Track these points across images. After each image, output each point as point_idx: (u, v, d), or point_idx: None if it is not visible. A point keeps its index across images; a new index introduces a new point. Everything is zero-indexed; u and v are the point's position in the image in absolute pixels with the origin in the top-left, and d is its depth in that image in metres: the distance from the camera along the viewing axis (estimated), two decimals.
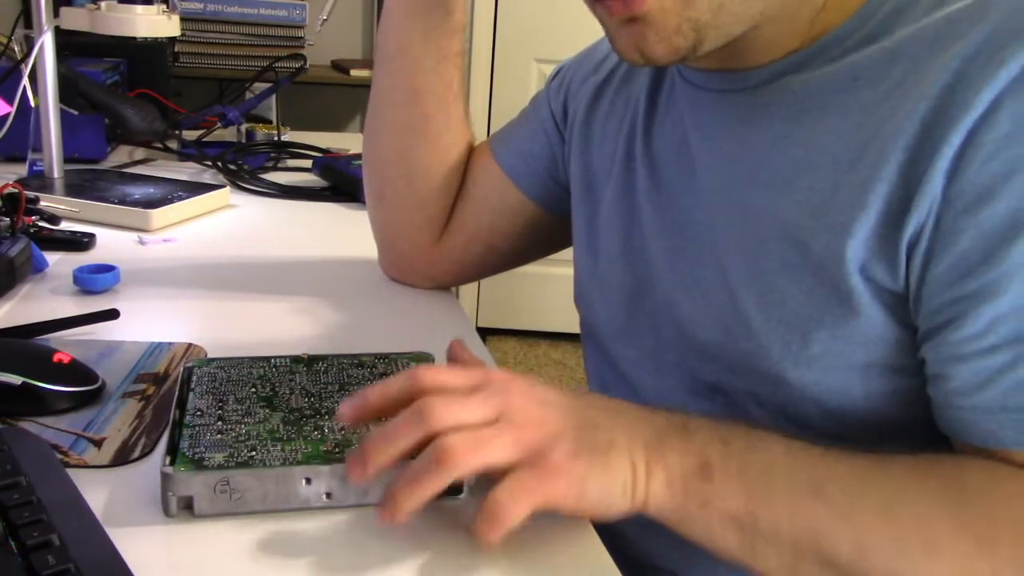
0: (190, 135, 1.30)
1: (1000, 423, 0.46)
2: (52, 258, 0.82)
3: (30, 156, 1.07)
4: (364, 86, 2.30)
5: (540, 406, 0.46)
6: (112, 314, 0.69)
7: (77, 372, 0.58)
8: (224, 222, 1.01)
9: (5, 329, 0.65)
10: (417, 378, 0.46)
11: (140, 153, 1.27)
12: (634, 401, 0.50)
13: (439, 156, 0.76)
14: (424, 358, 0.61)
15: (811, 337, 0.51)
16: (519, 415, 0.45)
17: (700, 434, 0.47)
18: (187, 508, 0.46)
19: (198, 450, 0.48)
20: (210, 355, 0.65)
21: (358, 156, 1.14)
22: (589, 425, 0.46)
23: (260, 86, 1.50)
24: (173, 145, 1.28)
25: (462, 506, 0.49)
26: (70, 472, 0.47)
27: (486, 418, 0.44)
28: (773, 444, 0.47)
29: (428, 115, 0.74)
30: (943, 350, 0.47)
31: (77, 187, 1.02)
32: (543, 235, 0.78)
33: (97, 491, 0.48)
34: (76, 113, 1.16)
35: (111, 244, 0.89)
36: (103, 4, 0.96)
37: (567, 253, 0.76)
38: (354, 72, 2.32)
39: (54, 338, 0.66)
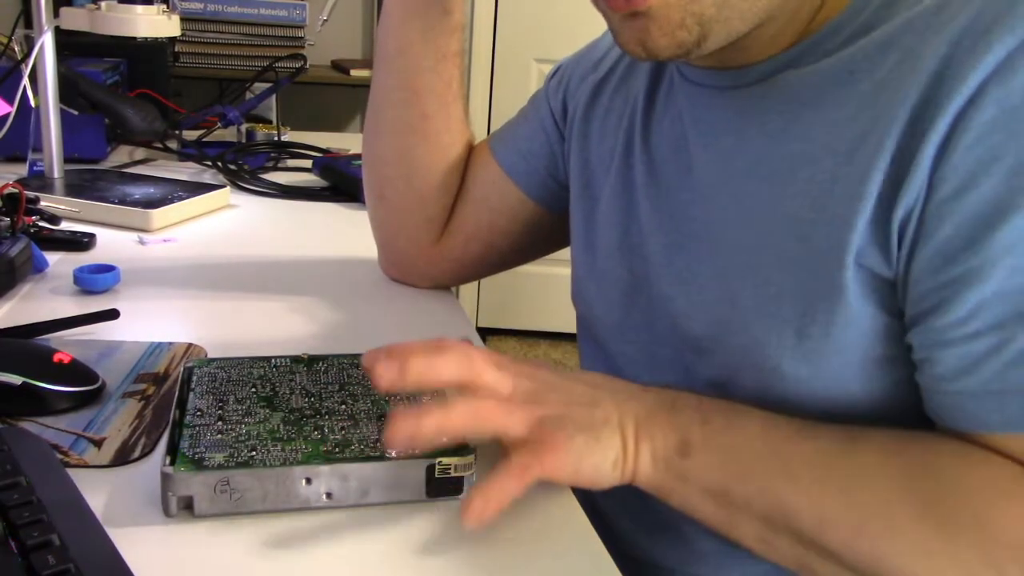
0: (190, 135, 1.30)
1: (984, 407, 0.46)
2: (52, 258, 0.82)
3: (30, 156, 1.08)
4: (364, 86, 2.29)
5: (544, 386, 0.51)
6: (112, 314, 0.69)
7: (77, 372, 0.58)
8: (224, 222, 1.01)
9: (5, 329, 0.65)
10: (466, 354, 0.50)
11: (140, 153, 1.27)
12: None
13: (439, 155, 0.76)
14: None
15: (806, 331, 0.52)
16: (526, 394, 0.50)
17: (684, 412, 0.51)
18: (187, 508, 0.46)
19: (198, 450, 0.48)
20: (210, 355, 0.65)
21: (358, 156, 1.14)
22: (587, 403, 0.51)
23: (260, 86, 1.50)
24: (173, 145, 1.28)
25: (462, 506, 0.49)
26: (70, 472, 0.47)
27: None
28: (751, 422, 0.51)
29: (427, 115, 0.74)
30: (929, 335, 0.47)
31: (77, 187, 1.02)
32: (543, 234, 0.78)
33: (97, 491, 0.48)
34: (76, 113, 1.16)
35: (111, 244, 0.89)
36: (103, 4, 0.96)
37: (567, 253, 0.76)
38: (354, 72, 2.32)
39: (54, 338, 0.66)
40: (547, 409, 0.49)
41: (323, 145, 1.33)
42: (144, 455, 0.52)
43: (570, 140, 0.72)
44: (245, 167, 1.20)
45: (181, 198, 0.99)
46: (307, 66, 1.47)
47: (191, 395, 0.54)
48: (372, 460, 0.48)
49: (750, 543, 0.49)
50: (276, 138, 1.35)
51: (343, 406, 0.53)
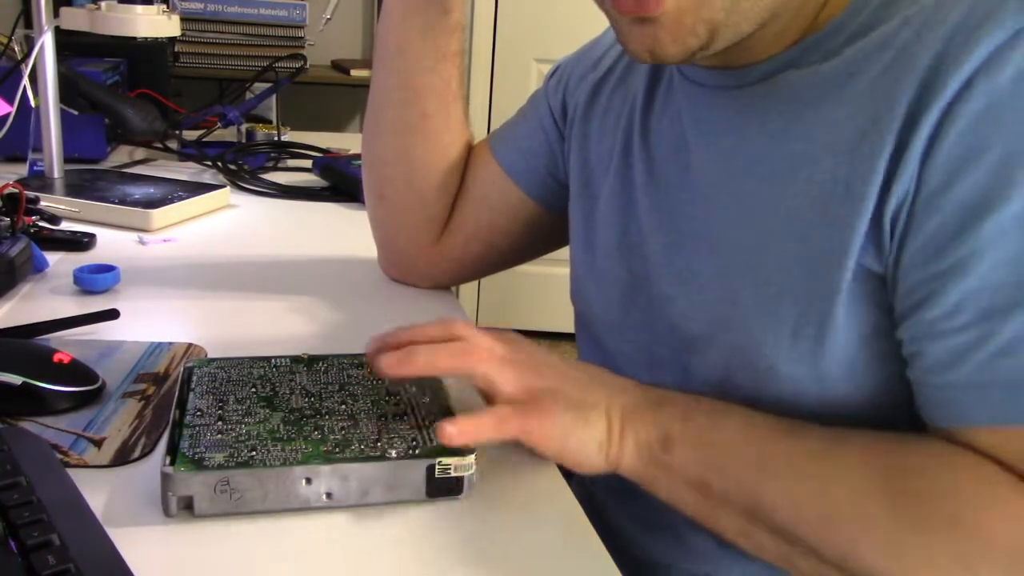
0: (190, 135, 1.30)
1: (968, 400, 0.46)
2: (52, 258, 0.82)
3: (30, 156, 1.08)
4: (364, 86, 2.28)
5: (540, 360, 0.54)
6: (112, 314, 0.69)
7: (77, 372, 0.58)
8: (224, 222, 1.01)
9: (5, 329, 0.65)
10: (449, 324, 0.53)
11: (140, 153, 1.27)
12: None
13: (438, 155, 0.76)
14: None
15: (802, 331, 0.52)
16: (523, 362, 0.52)
17: (668, 408, 0.53)
18: (187, 508, 0.46)
19: (198, 450, 0.47)
20: (210, 355, 0.65)
21: (358, 156, 1.14)
22: (578, 385, 0.53)
23: (260, 86, 1.50)
24: (173, 145, 1.28)
25: (462, 507, 0.49)
26: (70, 472, 0.47)
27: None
28: (733, 421, 0.52)
29: (427, 114, 0.74)
30: (918, 329, 0.48)
31: (77, 187, 1.02)
32: (543, 233, 0.78)
33: (97, 491, 0.48)
34: (76, 113, 1.16)
35: (111, 244, 0.89)
36: (103, 4, 0.96)
37: (566, 253, 0.76)
38: (354, 72, 2.32)
39: (54, 338, 0.66)
40: (539, 378, 0.52)
41: (323, 145, 1.33)
42: (144, 455, 0.52)
43: (570, 139, 0.73)
44: (245, 167, 1.20)
45: (181, 198, 0.99)
46: (307, 66, 1.47)
47: (191, 395, 0.54)
48: (372, 460, 0.48)
49: (734, 537, 0.51)
50: (276, 138, 1.35)
51: (343, 406, 0.53)
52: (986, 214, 0.45)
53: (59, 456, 0.51)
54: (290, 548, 0.45)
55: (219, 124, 1.35)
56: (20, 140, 1.07)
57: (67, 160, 1.08)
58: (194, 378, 0.56)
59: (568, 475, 0.54)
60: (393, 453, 0.48)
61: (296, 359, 0.59)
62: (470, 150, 0.79)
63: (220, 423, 0.51)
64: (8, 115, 1.02)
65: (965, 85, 0.45)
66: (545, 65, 2.47)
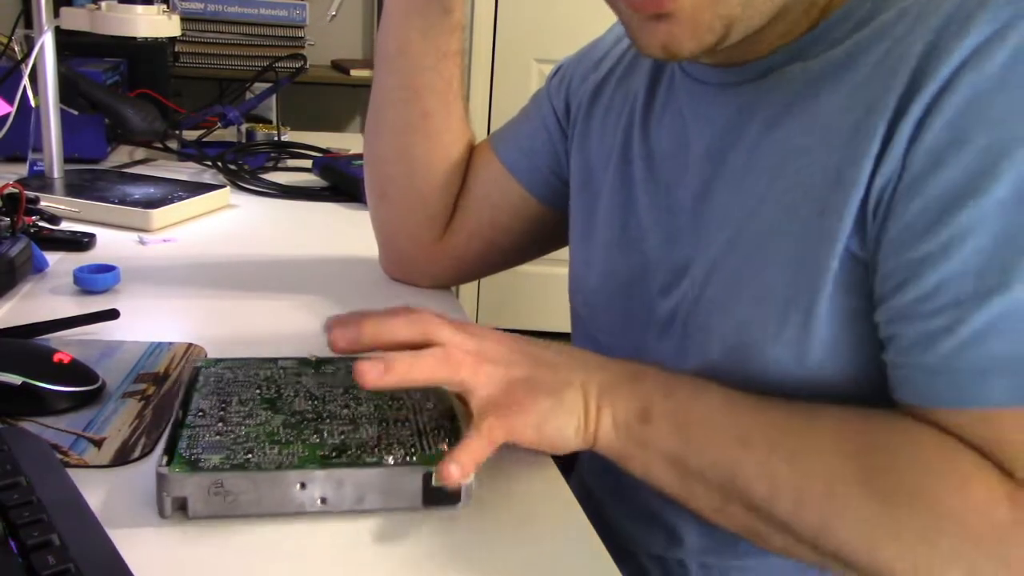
0: (190, 135, 1.30)
1: (937, 383, 0.47)
2: (52, 258, 0.82)
3: (30, 156, 1.08)
4: (364, 86, 2.30)
5: (510, 348, 0.52)
6: (112, 314, 0.69)
7: (77, 372, 0.58)
8: (224, 222, 1.01)
9: (5, 329, 0.65)
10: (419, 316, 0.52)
11: (140, 153, 1.27)
12: None
13: (440, 153, 0.76)
14: None
15: (790, 318, 0.52)
16: (494, 356, 0.51)
17: (647, 382, 0.53)
18: (182, 509, 0.46)
19: (195, 451, 0.47)
20: (210, 355, 0.65)
21: (358, 156, 1.14)
22: (552, 368, 0.52)
23: (260, 86, 1.50)
24: (173, 145, 1.28)
25: (458, 515, 0.49)
26: (70, 472, 0.47)
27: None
28: (712, 395, 0.52)
29: (429, 113, 0.74)
30: (894, 312, 0.48)
31: (77, 187, 1.02)
32: (544, 231, 0.78)
33: (97, 491, 0.47)
34: (76, 113, 1.16)
35: (111, 244, 0.89)
36: (103, 4, 0.96)
37: (565, 253, 0.76)
38: (354, 72, 2.32)
39: (54, 338, 0.66)
40: (513, 370, 0.51)
41: (323, 145, 1.33)
42: (144, 455, 0.52)
43: (572, 138, 0.73)
44: (245, 167, 1.20)
45: (181, 198, 0.99)
46: (307, 66, 1.46)
47: (195, 395, 0.54)
48: (368, 466, 0.47)
49: (708, 513, 0.51)
50: (276, 138, 1.35)
51: (345, 410, 0.53)
52: (967, 201, 0.45)
53: (59, 456, 0.51)
54: (289, 552, 0.45)
55: (219, 124, 1.35)
56: (20, 140, 1.07)
57: (67, 160, 1.08)
58: (200, 378, 0.56)
59: (566, 472, 0.54)
60: (390, 460, 0.48)
61: (304, 361, 0.59)
62: (471, 149, 0.79)
63: (220, 424, 0.50)
64: (8, 115, 1.02)
65: (953, 74, 0.46)
66: (545, 65, 2.47)
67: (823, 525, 0.47)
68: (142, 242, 0.91)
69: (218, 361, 0.59)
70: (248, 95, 1.51)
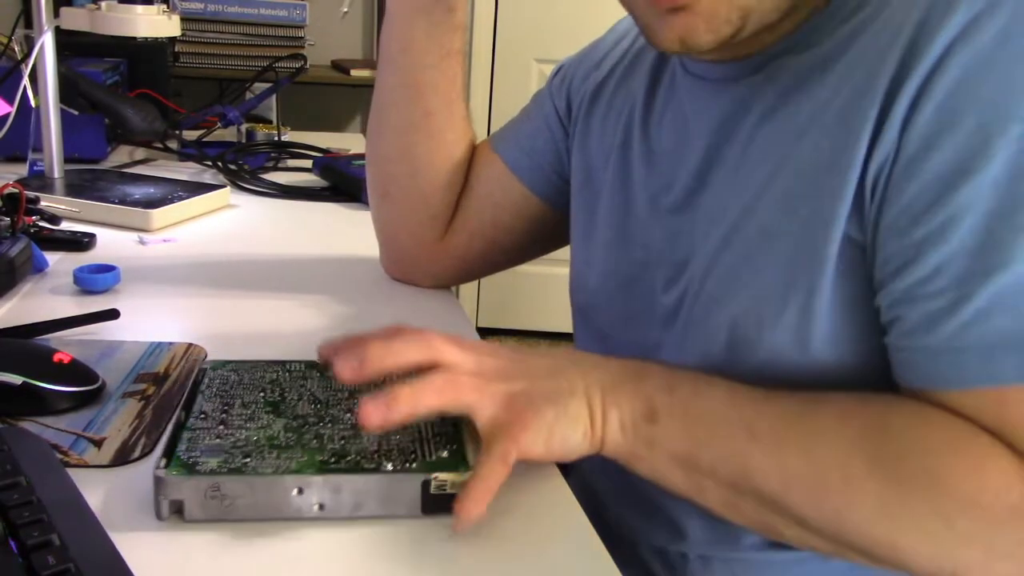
0: (190, 135, 1.30)
1: (942, 364, 0.47)
2: (52, 258, 0.82)
3: (30, 156, 1.07)
4: (364, 86, 2.30)
5: (506, 362, 0.51)
6: (112, 314, 0.69)
7: (77, 372, 0.58)
8: (224, 222, 1.01)
9: (5, 329, 0.65)
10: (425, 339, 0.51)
11: (140, 153, 1.27)
12: None
13: (443, 152, 0.76)
14: None
15: (789, 303, 0.53)
16: (492, 372, 0.50)
17: (650, 380, 0.52)
18: (179, 512, 0.46)
19: (194, 454, 0.47)
20: (211, 354, 0.65)
21: (358, 156, 1.14)
22: (551, 375, 0.51)
23: (260, 86, 1.50)
24: (173, 145, 1.28)
25: (455, 510, 0.48)
26: (70, 472, 0.47)
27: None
28: (717, 390, 0.52)
29: (431, 112, 0.75)
30: (896, 294, 0.48)
31: (77, 187, 1.02)
32: (546, 230, 0.78)
33: (97, 491, 0.47)
34: (76, 113, 1.16)
35: (111, 244, 0.89)
36: (103, 4, 0.96)
37: (565, 253, 0.76)
38: (354, 72, 2.32)
39: (54, 338, 0.66)
40: (513, 385, 0.50)
41: (323, 145, 1.33)
42: (144, 455, 0.52)
43: (573, 136, 0.74)
44: (245, 167, 1.20)
45: (181, 198, 0.99)
46: (307, 66, 1.46)
47: (199, 397, 0.53)
48: (366, 472, 0.46)
49: (718, 508, 0.51)
50: (276, 138, 1.34)
51: (348, 414, 0.52)
52: (963, 180, 0.45)
53: (59, 456, 0.51)
54: (289, 555, 0.45)
55: (219, 124, 1.35)
56: (20, 140, 1.07)
57: (67, 160, 1.08)
58: (206, 380, 0.55)
59: (566, 468, 0.54)
60: (389, 466, 0.47)
61: (311, 364, 0.58)
62: (473, 149, 0.79)
63: (221, 427, 0.50)
64: (8, 115, 1.02)
65: (943, 55, 0.46)
66: (545, 65, 2.47)
67: (839, 514, 0.47)
68: (142, 242, 0.91)
69: (225, 363, 0.58)
70: (248, 95, 1.51)
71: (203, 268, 0.85)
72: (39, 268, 0.79)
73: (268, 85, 1.42)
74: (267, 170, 1.24)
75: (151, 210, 0.94)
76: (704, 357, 0.58)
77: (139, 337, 0.67)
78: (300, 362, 0.58)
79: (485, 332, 2.66)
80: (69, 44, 1.23)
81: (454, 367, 0.50)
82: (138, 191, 1.01)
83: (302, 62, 1.45)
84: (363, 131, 0.81)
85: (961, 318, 0.46)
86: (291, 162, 1.28)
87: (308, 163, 1.24)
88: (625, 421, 0.50)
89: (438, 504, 0.47)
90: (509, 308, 2.71)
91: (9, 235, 0.78)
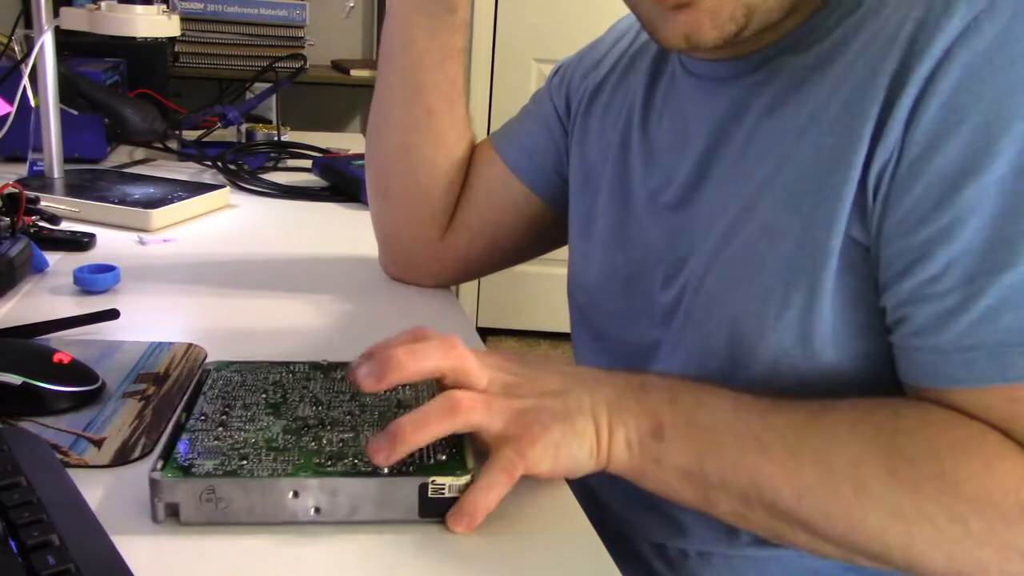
0: (190, 135, 1.30)
1: (953, 363, 0.47)
2: (52, 258, 0.82)
3: (30, 156, 1.07)
4: (364, 86, 2.30)
5: (513, 376, 0.51)
6: (112, 314, 0.69)
7: (77, 372, 0.58)
8: (224, 222, 1.01)
9: (5, 329, 0.65)
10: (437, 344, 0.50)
11: (140, 153, 1.27)
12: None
13: (443, 152, 0.76)
14: None
15: (791, 302, 0.53)
16: (500, 388, 0.50)
17: (654, 393, 0.51)
18: (175, 515, 0.46)
19: (190, 456, 0.47)
20: (211, 355, 0.65)
21: (358, 156, 1.14)
22: (559, 392, 0.50)
23: (260, 86, 1.50)
24: (173, 145, 1.28)
25: (451, 514, 0.48)
26: (70, 472, 0.47)
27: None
28: (721, 400, 0.51)
29: (432, 111, 0.75)
30: (903, 295, 0.49)
31: (77, 187, 1.02)
32: (547, 230, 0.79)
33: (97, 491, 0.47)
34: (76, 113, 1.16)
35: (111, 244, 0.89)
36: (103, 4, 0.96)
37: (565, 253, 0.76)
38: (354, 72, 2.32)
39: (54, 338, 0.66)
40: (522, 402, 0.49)
41: (323, 145, 1.33)
42: (144, 455, 0.52)
43: (572, 136, 0.74)
44: (245, 167, 1.20)
45: (181, 198, 0.99)
46: (307, 66, 1.47)
47: (201, 398, 0.53)
48: (362, 476, 0.46)
49: (728, 519, 0.51)
50: (276, 138, 1.34)
51: (349, 416, 0.52)
52: (969, 180, 0.46)
53: (59, 456, 0.51)
54: (287, 558, 0.45)
55: (219, 124, 1.35)
56: (20, 140, 1.07)
57: (67, 160, 1.08)
58: (208, 381, 0.55)
59: None
60: (385, 469, 0.46)
61: (315, 365, 0.58)
62: (473, 148, 0.80)
63: (220, 429, 0.50)
64: (8, 115, 1.02)
65: (944, 55, 0.46)
66: (545, 65, 2.47)
67: (853, 522, 0.47)
68: (142, 242, 0.91)
69: (229, 364, 0.58)
70: (248, 95, 1.51)
71: (203, 268, 0.85)
72: (39, 268, 0.79)
73: (268, 85, 1.43)
74: (267, 170, 1.24)
75: (151, 210, 0.94)
76: (705, 356, 0.58)
77: (139, 337, 0.67)
78: (304, 363, 0.58)
79: (485, 332, 2.66)
80: (69, 44, 1.23)
81: (469, 381, 0.49)
82: (138, 191, 1.01)
83: (302, 62, 1.45)
84: (363, 131, 0.81)
85: (970, 317, 0.46)
86: (291, 162, 1.28)
87: (308, 163, 1.24)
88: (631, 439, 0.50)
89: (436, 508, 0.46)
90: (509, 308, 2.71)
91: (9, 235, 0.78)
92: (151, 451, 0.52)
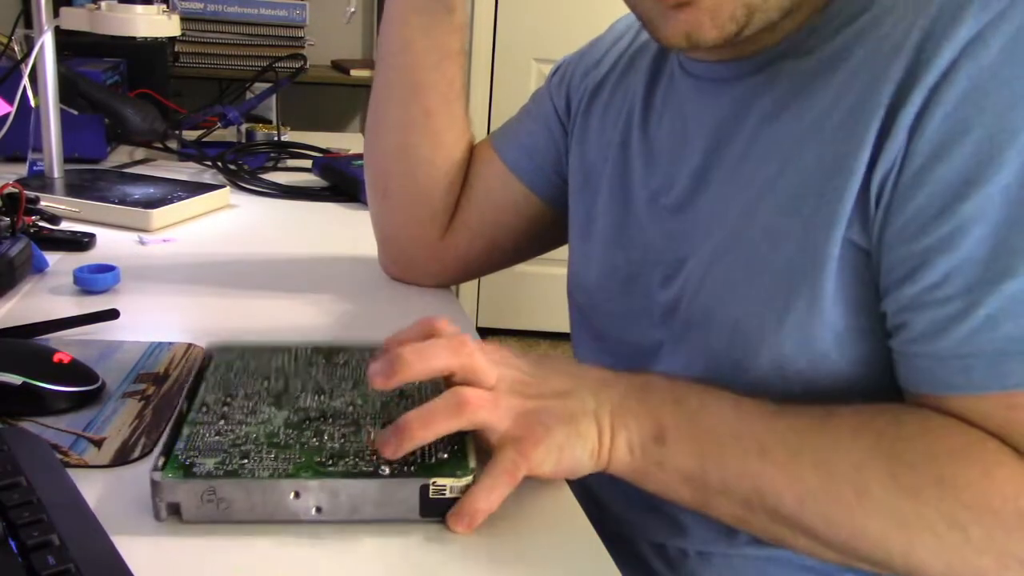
0: (190, 135, 1.30)
1: (950, 370, 0.48)
2: (52, 258, 0.82)
3: (30, 156, 1.07)
4: (364, 86, 2.30)
5: (524, 375, 0.51)
6: (112, 314, 0.69)
7: (77, 372, 0.58)
8: (224, 222, 1.01)
9: (5, 329, 0.65)
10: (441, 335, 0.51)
11: (140, 153, 1.27)
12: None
13: (442, 152, 0.76)
14: None
15: (792, 305, 0.53)
16: (507, 387, 0.50)
17: (656, 396, 0.51)
18: (177, 514, 0.46)
19: (191, 453, 0.47)
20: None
21: (358, 156, 1.14)
22: (564, 393, 0.51)
23: (260, 86, 1.50)
24: (173, 145, 1.28)
25: (451, 513, 0.48)
26: (70, 472, 0.47)
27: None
28: (724, 404, 0.51)
29: (431, 112, 0.75)
30: (903, 301, 0.49)
31: (77, 187, 1.02)
32: (547, 230, 0.79)
33: (97, 491, 0.47)
34: (76, 113, 1.16)
35: (111, 244, 0.89)
36: (103, 4, 0.96)
37: (565, 253, 0.76)
38: (354, 72, 2.32)
39: (54, 338, 0.66)
40: (529, 402, 0.49)
41: (323, 145, 1.33)
42: (144, 455, 0.52)
43: (572, 135, 0.74)
44: (245, 167, 1.20)
45: (181, 198, 0.99)
46: (307, 66, 1.47)
47: (203, 386, 0.53)
48: (363, 477, 0.46)
49: (728, 521, 0.51)
50: (276, 138, 1.34)
51: (351, 407, 0.52)
52: (973, 190, 0.46)
53: (59, 456, 0.51)
54: (288, 555, 0.45)
55: (219, 124, 1.35)
56: (20, 140, 1.07)
57: (67, 160, 1.08)
58: (211, 366, 0.55)
59: None
60: (386, 470, 0.46)
61: (317, 348, 0.58)
62: (472, 149, 0.79)
63: (222, 422, 0.50)
64: (8, 115, 1.01)
65: (950, 66, 0.46)
66: (545, 65, 2.47)
67: (854, 528, 0.47)
68: (142, 242, 0.91)
69: (231, 347, 0.57)
70: (248, 95, 1.51)
71: (203, 268, 0.85)
72: (39, 268, 0.79)
73: (268, 85, 1.43)
74: (267, 170, 1.24)
75: (151, 210, 0.94)
76: (707, 359, 0.58)
77: (139, 337, 0.67)
78: (307, 346, 0.58)
79: (485, 332, 2.66)
80: (69, 44, 1.23)
81: (477, 379, 0.49)
82: (138, 191, 1.01)
83: (302, 62, 1.45)
84: (363, 131, 0.81)
85: (970, 325, 0.46)
86: (291, 162, 1.28)
87: (308, 163, 1.24)
88: (633, 442, 0.50)
89: (437, 507, 0.47)
90: (509, 308, 2.71)
91: (9, 235, 0.78)
92: (151, 451, 0.52)
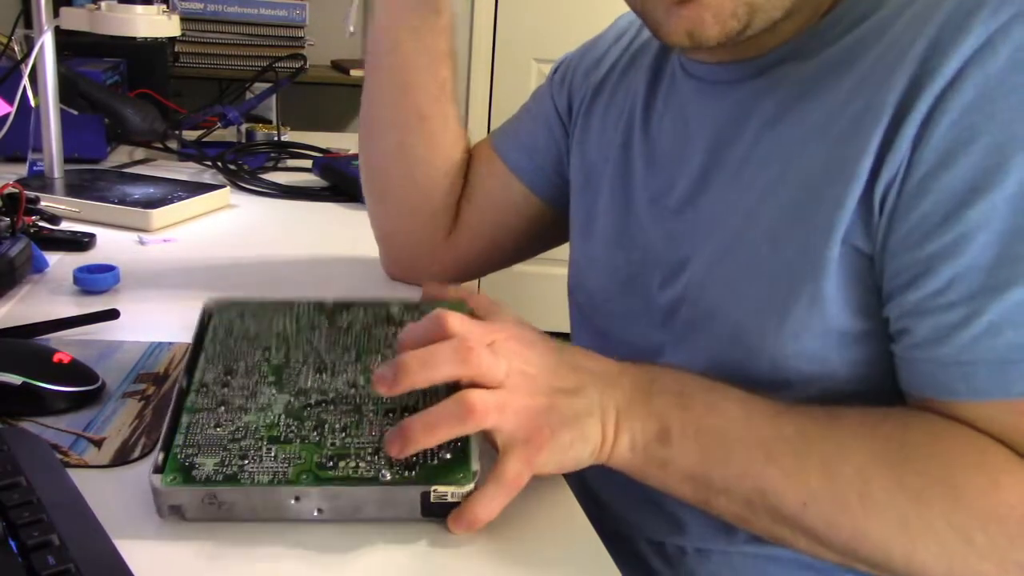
0: (190, 135, 1.30)
1: (953, 376, 0.48)
2: (52, 258, 0.82)
3: (30, 156, 1.07)
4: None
5: (534, 369, 0.50)
6: (112, 314, 0.69)
7: (77, 372, 0.58)
8: (224, 222, 1.01)
9: (5, 329, 0.65)
10: (447, 329, 0.49)
11: (140, 153, 1.27)
12: None
13: (440, 153, 0.76)
14: (458, 307, 0.54)
15: (791, 309, 0.53)
16: (513, 385, 0.48)
17: (662, 396, 0.51)
18: (179, 513, 0.46)
19: (190, 451, 0.47)
20: None
21: (358, 156, 1.14)
22: (571, 391, 0.50)
23: (260, 86, 1.50)
24: (173, 145, 1.28)
25: (452, 516, 0.48)
26: (70, 472, 0.47)
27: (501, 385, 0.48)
28: (730, 405, 0.51)
29: (425, 116, 0.74)
30: (907, 307, 0.49)
31: (77, 187, 1.02)
32: (547, 229, 0.78)
33: (97, 491, 0.47)
34: (76, 113, 1.16)
35: (111, 244, 0.89)
36: (103, 4, 0.96)
37: (565, 253, 0.76)
38: (354, 72, 2.32)
39: (54, 338, 0.66)
40: (534, 400, 0.48)
41: (323, 145, 1.33)
42: (144, 455, 0.52)
43: (573, 135, 0.74)
44: (245, 167, 1.20)
45: (181, 198, 0.99)
46: (307, 66, 1.47)
47: (202, 357, 0.52)
48: (364, 483, 0.46)
49: (729, 519, 0.51)
50: (276, 138, 1.34)
51: (352, 390, 0.51)
52: (978, 198, 0.46)
53: (59, 456, 0.51)
54: (290, 553, 0.45)
55: (219, 124, 1.35)
56: (20, 140, 1.07)
57: (67, 160, 1.08)
58: (210, 330, 0.54)
59: None
60: (387, 475, 0.46)
61: (320, 307, 0.57)
62: (469, 150, 0.79)
63: (222, 408, 0.49)
64: (8, 115, 1.01)
65: (957, 73, 0.46)
66: (545, 65, 2.47)
67: (857, 531, 0.47)
68: (142, 242, 0.91)
69: (232, 304, 0.56)
70: (248, 95, 1.51)
71: (203, 268, 0.85)
72: (39, 268, 0.79)
73: (268, 85, 1.42)
74: (267, 170, 1.24)
75: (151, 210, 0.94)
76: (709, 360, 0.58)
77: (139, 337, 0.67)
78: (308, 304, 0.57)
79: None
80: (69, 44, 1.23)
81: (482, 380, 0.48)
82: (138, 191, 1.01)
83: (302, 62, 1.45)
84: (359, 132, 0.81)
85: (972, 332, 0.46)
86: (291, 162, 1.28)
87: (308, 163, 1.24)
88: (636, 442, 0.50)
89: (438, 510, 0.46)
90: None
91: (9, 235, 0.78)
92: (151, 451, 0.52)
